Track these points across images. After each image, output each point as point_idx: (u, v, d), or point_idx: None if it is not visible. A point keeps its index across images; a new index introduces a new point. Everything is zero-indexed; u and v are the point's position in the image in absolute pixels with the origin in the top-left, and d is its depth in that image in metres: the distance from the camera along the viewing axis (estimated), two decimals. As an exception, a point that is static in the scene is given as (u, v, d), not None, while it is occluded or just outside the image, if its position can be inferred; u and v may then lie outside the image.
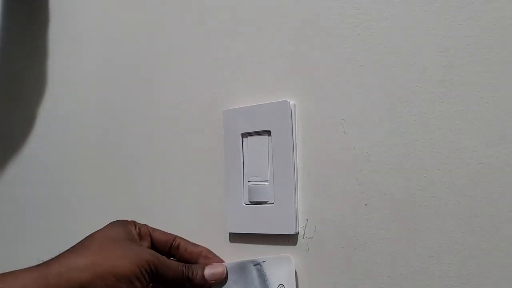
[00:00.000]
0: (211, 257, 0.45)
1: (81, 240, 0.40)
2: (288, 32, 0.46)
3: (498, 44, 0.35)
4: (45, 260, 0.38)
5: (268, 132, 0.44)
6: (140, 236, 0.43)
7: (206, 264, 0.43)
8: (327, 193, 0.42)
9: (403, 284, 0.37)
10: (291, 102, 0.44)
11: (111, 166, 0.62)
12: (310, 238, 0.42)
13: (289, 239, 0.43)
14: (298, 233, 0.43)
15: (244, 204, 0.45)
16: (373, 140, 0.40)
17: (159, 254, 0.41)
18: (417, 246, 0.37)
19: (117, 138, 0.62)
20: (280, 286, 0.40)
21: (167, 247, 0.45)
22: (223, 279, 0.43)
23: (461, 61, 0.36)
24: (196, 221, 0.51)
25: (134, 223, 0.44)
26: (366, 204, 0.40)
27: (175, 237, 0.46)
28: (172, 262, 0.41)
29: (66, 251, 0.39)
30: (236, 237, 0.47)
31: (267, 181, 0.44)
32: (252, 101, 0.47)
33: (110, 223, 0.43)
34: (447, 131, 0.36)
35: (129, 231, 0.41)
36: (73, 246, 0.39)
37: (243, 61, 0.49)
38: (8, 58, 0.82)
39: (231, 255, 0.47)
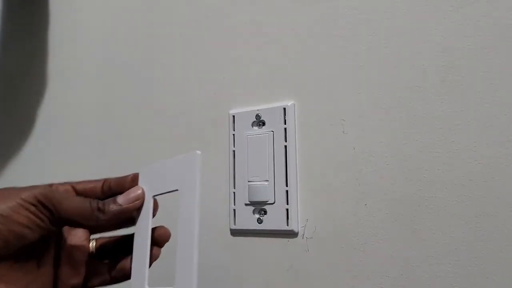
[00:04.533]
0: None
1: None
2: (289, 33, 0.46)
3: (498, 44, 0.35)
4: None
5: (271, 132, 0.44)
6: None
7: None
8: (327, 193, 0.42)
9: (403, 284, 0.37)
10: (290, 103, 0.44)
11: (112, 166, 0.62)
12: (310, 238, 0.42)
13: (289, 239, 0.43)
14: (298, 233, 0.43)
15: (244, 205, 0.45)
16: (373, 140, 0.40)
17: (58, 189, 0.34)
18: (417, 246, 0.37)
19: (117, 138, 0.62)
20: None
21: (98, 193, 0.36)
22: (141, 203, 0.35)
23: (461, 61, 0.36)
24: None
25: (49, 185, 0.35)
26: (366, 204, 0.40)
27: (105, 179, 0.37)
28: (74, 197, 0.34)
29: None
30: (238, 233, 0.47)
31: (267, 181, 0.44)
32: (253, 101, 0.47)
33: None
34: (447, 131, 0.36)
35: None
36: None
37: (244, 62, 0.49)
38: (8, 58, 0.82)
39: (233, 249, 0.47)
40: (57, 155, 0.71)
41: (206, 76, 0.52)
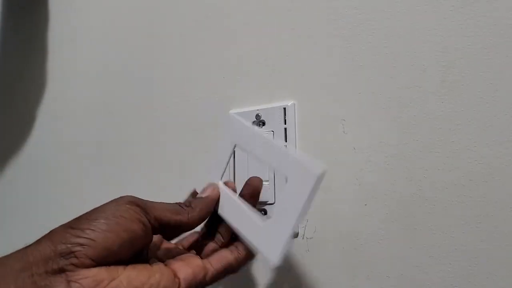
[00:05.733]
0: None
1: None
2: (288, 33, 0.46)
3: (498, 44, 0.35)
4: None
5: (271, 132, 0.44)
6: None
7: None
8: (327, 193, 0.42)
9: (403, 284, 0.37)
10: (290, 103, 0.44)
11: (111, 166, 0.62)
12: (310, 238, 0.42)
13: (289, 239, 0.43)
14: (298, 233, 0.43)
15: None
16: (373, 140, 0.40)
17: None
18: (417, 246, 0.37)
19: (117, 139, 0.62)
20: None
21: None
22: (218, 192, 0.38)
23: (461, 61, 0.36)
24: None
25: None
26: (366, 204, 0.40)
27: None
28: (158, 201, 0.35)
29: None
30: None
31: (267, 181, 0.44)
32: (253, 101, 0.47)
33: None
34: (447, 131, 0.36)
35: None
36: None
37: (244, 62, 0.49)
38: (8, 58, 0.82)
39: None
40: (57, 155, 0.71)
41: (206, 76, 0.52)
